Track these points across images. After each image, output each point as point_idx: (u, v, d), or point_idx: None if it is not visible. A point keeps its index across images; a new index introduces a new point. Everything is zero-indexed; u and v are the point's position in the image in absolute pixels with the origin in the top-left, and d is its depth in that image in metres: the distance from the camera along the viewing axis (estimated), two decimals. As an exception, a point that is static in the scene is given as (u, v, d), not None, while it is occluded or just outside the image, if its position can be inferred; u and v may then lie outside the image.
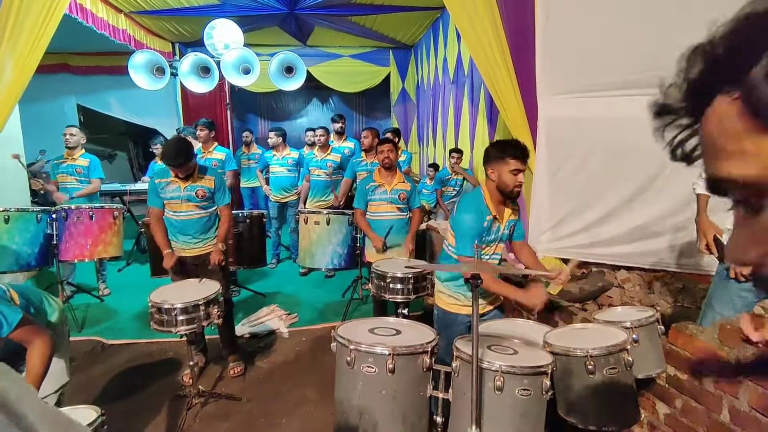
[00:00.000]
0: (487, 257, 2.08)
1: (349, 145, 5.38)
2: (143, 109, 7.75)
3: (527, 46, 3.18)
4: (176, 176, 2.75)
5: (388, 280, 2.61)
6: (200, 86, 4.90)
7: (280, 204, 5.13)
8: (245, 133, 5.65)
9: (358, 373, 1.51)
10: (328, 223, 3.71)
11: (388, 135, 4.44)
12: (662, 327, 1.84)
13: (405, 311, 2.63)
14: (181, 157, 2.64)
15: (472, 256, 1.87)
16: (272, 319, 3.68)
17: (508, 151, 1.93)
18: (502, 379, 1.42)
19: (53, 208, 3.51)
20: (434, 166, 5.70)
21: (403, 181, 3.24)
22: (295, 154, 5.07)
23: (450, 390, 1.56)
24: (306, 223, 3.77)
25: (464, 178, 5.13)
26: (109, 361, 3.23)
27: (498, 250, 2.12)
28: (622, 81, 2.61)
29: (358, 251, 3.82)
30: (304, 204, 4.88)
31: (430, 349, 1.54)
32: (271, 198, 5.13)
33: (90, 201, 4.08)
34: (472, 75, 5.22)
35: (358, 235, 3.81)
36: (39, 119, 6.70)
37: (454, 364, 1.54)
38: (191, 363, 2.61)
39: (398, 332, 1.69)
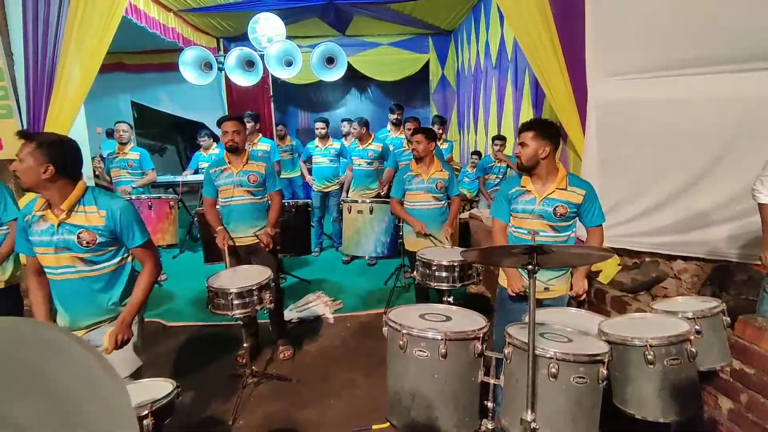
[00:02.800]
0: (524, 230, 2.14)
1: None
2: (190, 103, 8.10)
3: (576, 25, 3.05)
4: (229, 145, 2.85)
5: (433, 268, 2.62)
6: (245, 80, 5.06)
7: (323, 194, 5.24)
8: (279, 127, 5.84)
9: (410, 357, 1.54)
10: (371, 212, 3.76)
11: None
12: (728, 318, 1.75)
13: (450, 299, 2.65)
14: (241, 119, 2.84)
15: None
16: (318, 305, 3.79)
17: None
18: (557, 366, 1.41)
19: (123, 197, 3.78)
20: (477, 154, 5.63)
21: (441, 170, 3.21)
22: (336, 144, 5.15)
23: (502, 376, 1.57)
24: (349, 212, 3.83)
25: (508, 165, 5.03)
26: (169, 341, 3.45)
27: (536, 226, 2.10)
28: (685, 59, 2.46)
29: (401, 239, 3.86)
30: (347, 193, 4.96)
31: (481, 336, 1.55)
32: (314, 188, 5.25)
33: (145, 192, 4.34)
34: (516, 58, 5.08)
35: (401, 224, 3.84)
36: (98, 116, 7.14)
37: (506, 351, 1.54)
38: (245, 345, 2.76)
39: (448, 318, 1.70)
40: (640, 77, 2.83)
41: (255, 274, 2.61)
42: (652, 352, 1.50)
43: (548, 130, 2.08)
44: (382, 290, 4.17)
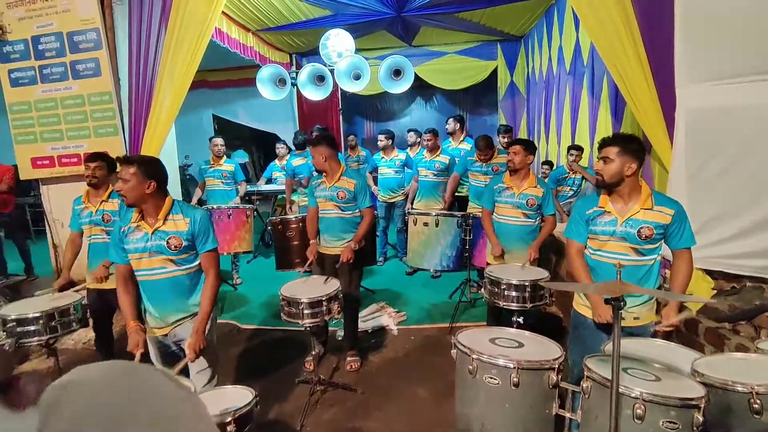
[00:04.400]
0: (604, 253, 2.02)
1: (465, 146, 5.36)
2: (264, 116, 8.61)
3: (663, 26, 2.81)
4: (318, 165, 2.98)
5: (502, 287, 2.54)
6: (316, 94, 5.27)
7: (388, 204, 5.30)
8: (350, 137, 5.88)
9: (480, 383, 1.51)
10: (436, 224, 3.74)
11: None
12: None
13: (520, 319, 2.55)
14: (325, 139, 2.97)
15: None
16: (383, 316, 3.83)
17: None
18: (643, 407, 1.30)
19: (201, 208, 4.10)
20: (548, 164, 5.38)
21: (535, 186, 3.01)
22: (402, 155, 5.19)
23: (579, 410, 1.48)
24: (415, 225, 3.84)
25: (583, 177, 4.75)
26: (242, 343, 3.67)
27: (618, 249, 1.97)
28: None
29: (467, 253, 3.79)
30: (412, 204, 4.97)
31: (557, 366, 1.47)
32: (379, 198, 5.32)
33: (225, 201, 4.67)
34: (592, 64, 4.81)
35: (467, 237, 3.78)
36: (184, 130, 7.81)
37: (584, 384, 1.45)
38: (313, 353, 2.86)
39: (521, 345, 1.64)
40: (736, 81, 2.54)
41: (325, 285, 2.70)
42: (758, 401, 1.33)
43: (634, 146, 1.95)
44: (447, 304, 4.12)
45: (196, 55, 3.78)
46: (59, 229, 4.33)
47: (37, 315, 2.33)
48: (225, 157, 4.89)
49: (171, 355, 2.15)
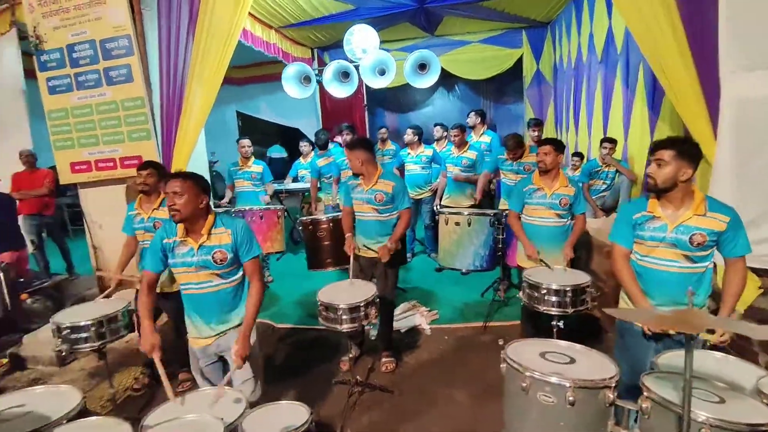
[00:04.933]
0: (652, 260, 1.97)
1: (485, 139, 5.27)
2: (287, 111, 8.65)
3: (705, 10, 2.67)
4: (355, 168, 2.99)
5: (542, 291, 2.50)
6: (341, 91, 5.25)
7: (415, 200, 5.25)
8: (381, 130, 5.62)
9: (533, 401, 1.49)
10: (469, 224, 3.70)
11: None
12: None
13: (560, 323, 2.52)
14: (362, 143, 3.01)
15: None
16: (415, 315, 3.83)
17: None
18: (708, 432, 1.26)
19: (232, 209, 4.16)
20: (578, 156, 5.23)
21: (567, 185, 2.95)
22: (428, 151, 5.12)
23: (637, 430, 1.45)
24: (446, 224, 3.81)
25: (617, 171, 4.61)
26: (278, 343, 3.73)
27: (667, 255, 1.91)
28: None
29: (500, 252, 3.75)
30: (440, 200, 4.93)
31: (613, 385, 1.45)
32: (407, 194, 5.29)
33: (255, 202, 4.73)
34: (627, 52, 4.63)
35: (500, 236, 3.73)
36: (208, 127, 7.89)
37: (643, 405, 1.42)
38: (351, 355, 2.89)
39: (572, 360, 1.62)
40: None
41: (362, 290, 2.71)
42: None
43: (692, 150, 1.88)
44: (479, 302, 4.09)
45: (224, 58, 3.79)
46: (97, 231, 4.47)
47: (89, 323, 2.42)
48: (253, 157, 4.90)
49: (213, 367, 2.19)
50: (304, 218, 3.95)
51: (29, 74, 4.91)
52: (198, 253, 2.02)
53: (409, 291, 4.48)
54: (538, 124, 5.24)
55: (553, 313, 2.49)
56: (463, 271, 4.73)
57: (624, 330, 2.08)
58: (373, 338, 3.49)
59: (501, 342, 3.41)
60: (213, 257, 2.02)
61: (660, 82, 3.05)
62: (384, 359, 3.18)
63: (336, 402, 2.82)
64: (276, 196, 5.80)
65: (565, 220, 2.99)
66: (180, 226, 2.04)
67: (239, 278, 2.14)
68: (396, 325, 3.74)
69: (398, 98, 9.38)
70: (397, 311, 3.92)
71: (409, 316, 3.83)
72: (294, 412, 1.61)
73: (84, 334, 2.43)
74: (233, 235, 2.05)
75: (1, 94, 5.00)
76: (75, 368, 3.45)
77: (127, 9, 3.91)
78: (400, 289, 4.50)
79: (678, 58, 2.82)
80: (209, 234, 2.03)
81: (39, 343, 3.54)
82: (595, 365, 1.57)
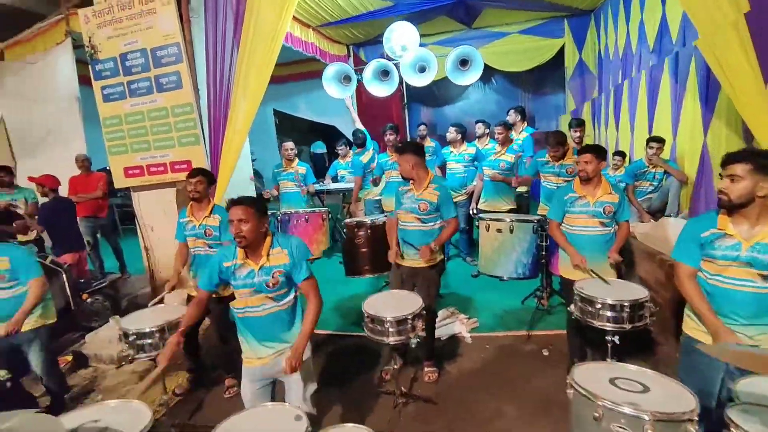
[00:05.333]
0: (724, 279, 1.87)
1: (523, 135, 5.14)
2: (324, 109, 8.72)
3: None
4: (405, 173, 2.98)
5: (597, 306, 2.42)
6: (382, 89, 5.21)
7: (451, 203, 5.21)
8: (420, 127, 5.52)
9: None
10: (511, 231, 3.63)
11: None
12: None
13: (615, 338, 2.44)
14: (411, 147, 2.98)
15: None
16: (454, 323, 3.81)
17: None
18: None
19: (278, 212, 4.28)
20: (620, 154, 4.98)
21: (610, 192, 2.84)
22: (471, 149, 5.02)
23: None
24: (487, 231, 3.75)
25: (665, 172, 4.38)
26: (318, 350, 3.69)
27: (741, 275, 1.81)
28: None
29: (544, 260, 3.67)
30: (476, 204, 4.85)
31: (696, 419, 1.41)
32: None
33: (299, 203, 4.82)
34: (683, 41, 4.34)
35: (544, 243, 3.65)
36: (248, 125, 8.11)
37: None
38: (395, 366, 2.92)
39: (646, 389, 1.57)
40: None
41: (408, 302, 2.72)
42: None
43: None
44: (520, 309, 4.03)
45: (269, 62, 3.86)
46: (149, 233, 4.69)
47: (154, 329, 2.57)
48: (297, 159, 4.97)
49: (263, 391, 2.18)
50: (349, 221, 3.99)
51: (83, 81, 5.16)
52: (259, 274, 2.06)
53: (446, 296, 4.44)
54: (580, 124, 5.04)
55: (608, 328, 2.41)
56: (504, 278, 4.68)
57: (690, 348, 1.95)
58: (413, 346, 3.50)
59: (546, 352, 3.37)
60: (273, 276, 2.06)
61: (716, 76, 2.84)
62: (426, 369, 3.18)
63: (381, 412, 2.83)
64: (317, 196, 5.86)
65: (609, 228, 2.87)
66: (239, 249, 2.08)
67: (291, 300, 2.16)
68: (436, 333, 3.74)
69: (434, 93, 9.23)
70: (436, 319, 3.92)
71: (448, 324, 3.81)
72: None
73: (149, 340, 2.58)
74: (290, 255, 2.10)
75: (57, 102, 5.27)
76: (127, 370, 3.59)
77: (176, 17, 4.03)
78: (438, 296, 4.48)
79: (739, 51, 2.61)
80: (268, 255, 2.07)
81: (100, 341, 3.77)
82: (671, 395, 1.52)
